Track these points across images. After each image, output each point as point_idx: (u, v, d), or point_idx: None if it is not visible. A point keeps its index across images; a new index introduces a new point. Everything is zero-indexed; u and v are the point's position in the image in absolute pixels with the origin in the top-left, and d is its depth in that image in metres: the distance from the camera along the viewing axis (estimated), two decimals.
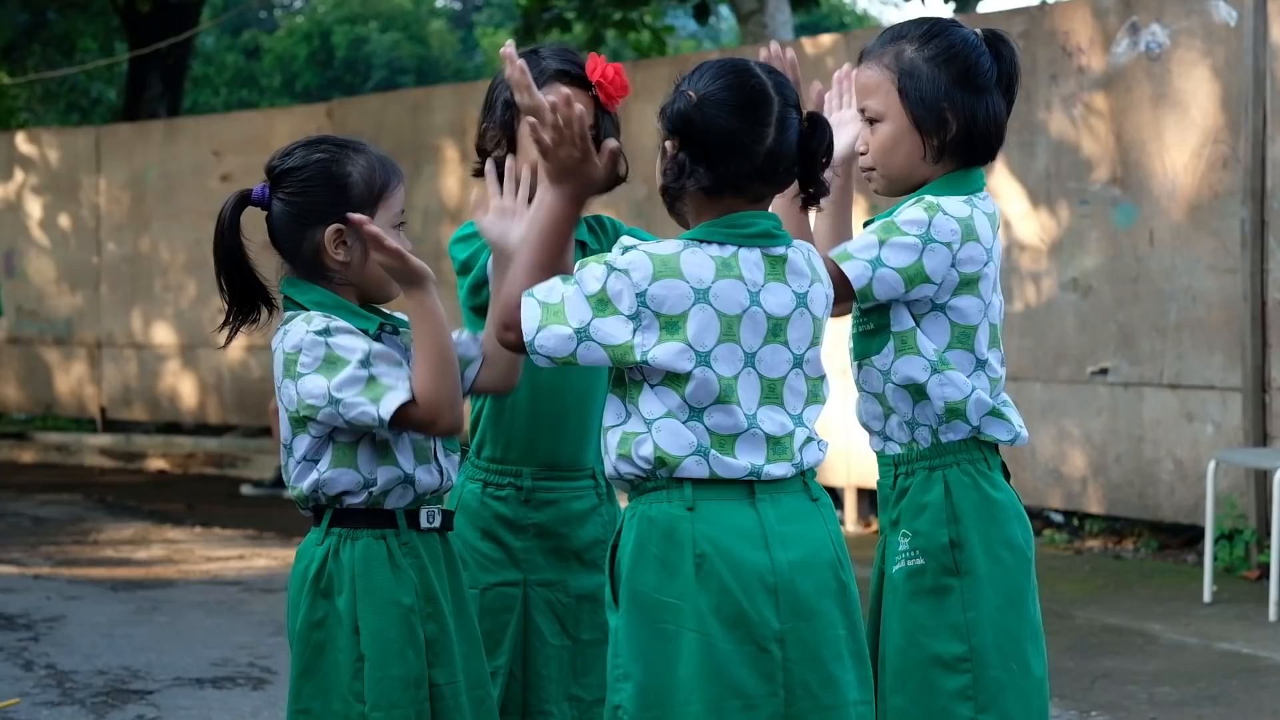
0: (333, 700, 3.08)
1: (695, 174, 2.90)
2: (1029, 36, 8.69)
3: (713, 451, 2.88)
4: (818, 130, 2.94)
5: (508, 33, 27.49)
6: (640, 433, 2.90)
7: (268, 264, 3.22)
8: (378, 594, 3.08)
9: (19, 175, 14.48)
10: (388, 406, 3.02)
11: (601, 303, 2.87)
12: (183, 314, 13.54)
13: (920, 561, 3.21)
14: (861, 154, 3.31)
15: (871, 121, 3.28)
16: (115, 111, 21.16)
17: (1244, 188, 7.89)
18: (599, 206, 3.55)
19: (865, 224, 3.31)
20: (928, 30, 3.27)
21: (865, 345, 3.28)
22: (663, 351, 2.86)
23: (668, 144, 2.94)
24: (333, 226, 3.11)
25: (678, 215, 3.01)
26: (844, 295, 3.16)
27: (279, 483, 11.21)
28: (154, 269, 13.71)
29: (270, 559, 8.83)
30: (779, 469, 2.92)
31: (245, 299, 3.19)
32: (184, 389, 13.60)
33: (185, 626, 7.19)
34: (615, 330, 2.86)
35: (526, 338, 2.89)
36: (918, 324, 3.22)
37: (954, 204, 3.22)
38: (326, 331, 3.06)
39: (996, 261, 3.27)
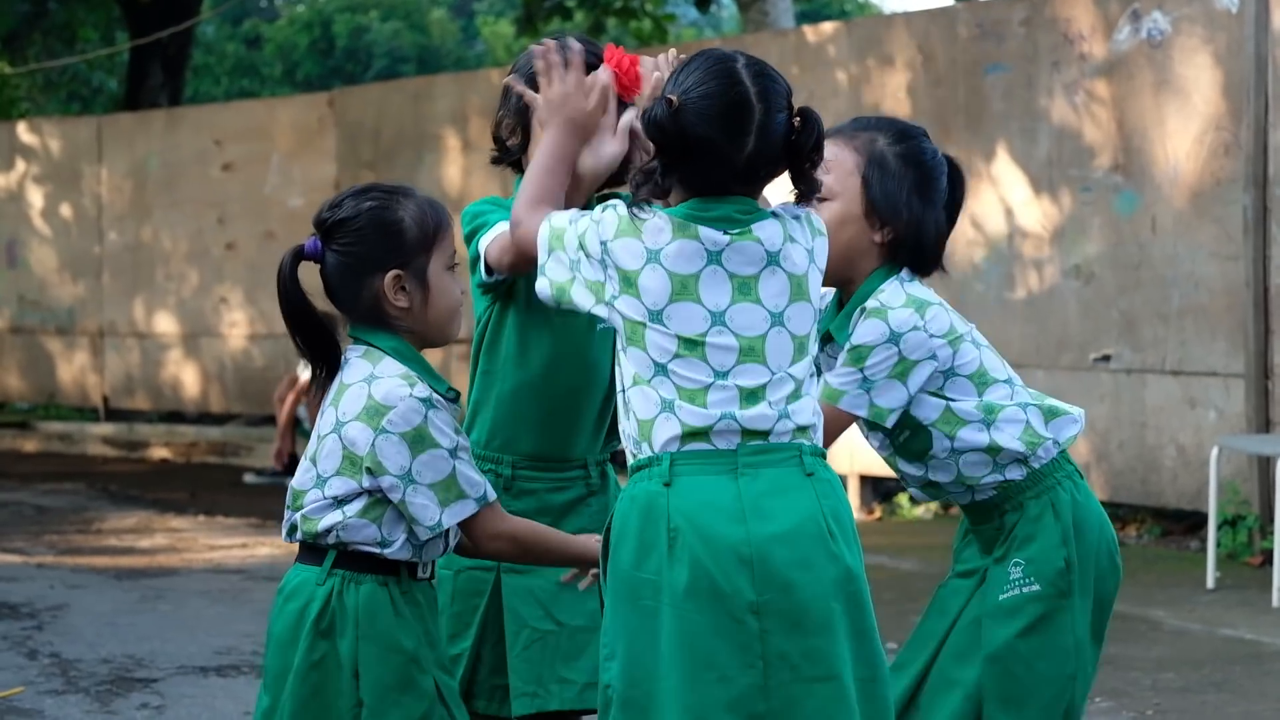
0: None
1: (661, 184, 2.91)
2: (1031, 23, 8.68)
3: (678, 402, 2.89)
4: (807, 127, 2.92)
5: (509, 22, 27.48)
6: (625, 411, 2.96)
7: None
8: (380, 640, 3.03)
9: (20, 165, 14.48)
10: (450, 517, 3.04)
11: (582, 247, 2.95)
12: (184, 303, 13.53)
13: (1036, 588, 3.28)
14: None
15: (820, 200, 3.30)
16: (116, 101, 21.14)
17: (1246, 174, 7.89)
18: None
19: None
20: (900, 132, 3.35)
21: (916, 447, 3.32)
22: (623, 303, 2.91)
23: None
24: (391, 273, 3.08)
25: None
26: (848, 425, 3.27)
27: (281, 471, 11.20)
28: (156, 258, 13.71)
29: (273, 547, 8.84)
30: (755, 412, 2.89)
31: (325, 351, 3.13)
32: (186, 378, 13.60)
33: (188, 615, 7.19)
34: (591, 274, 2.94)
35: (541, 261, 2.99)
36: (945, 399, 3.27)
37: (890, 295, 3.27)
38: (429, 403, 3.03)
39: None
